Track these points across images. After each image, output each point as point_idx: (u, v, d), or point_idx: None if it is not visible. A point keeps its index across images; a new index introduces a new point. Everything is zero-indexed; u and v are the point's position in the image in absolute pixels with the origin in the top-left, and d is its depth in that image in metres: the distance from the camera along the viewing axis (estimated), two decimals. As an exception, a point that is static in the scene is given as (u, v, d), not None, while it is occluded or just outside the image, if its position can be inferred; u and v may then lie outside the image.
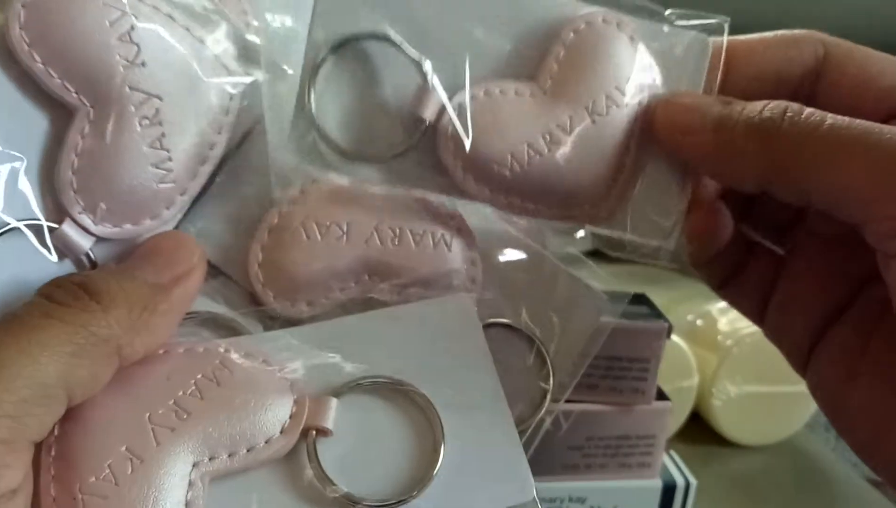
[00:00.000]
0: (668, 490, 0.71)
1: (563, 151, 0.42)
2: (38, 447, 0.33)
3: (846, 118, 0.38)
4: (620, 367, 0.66)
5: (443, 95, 0.41)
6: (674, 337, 0.68)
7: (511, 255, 0.46)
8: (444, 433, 0.38)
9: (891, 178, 0.37)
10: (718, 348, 0.89)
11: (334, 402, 0.37)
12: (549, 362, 0.45)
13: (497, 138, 0.41)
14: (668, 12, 0.45)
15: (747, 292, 0.49)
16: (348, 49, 0.41)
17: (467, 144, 0.41)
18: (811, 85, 0.44)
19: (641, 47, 0.43)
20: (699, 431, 0.92)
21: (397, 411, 0.39)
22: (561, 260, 0.47)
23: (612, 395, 0.67)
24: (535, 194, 0.43)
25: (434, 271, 0.43)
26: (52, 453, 0.33)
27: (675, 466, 0.74)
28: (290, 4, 0.45)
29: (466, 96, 0.41)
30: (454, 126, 0.41)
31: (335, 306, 0.43)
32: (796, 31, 0.45)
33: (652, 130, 0.43)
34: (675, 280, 1.06)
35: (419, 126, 0.41)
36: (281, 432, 0.36)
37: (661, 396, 0.70)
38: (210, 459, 0.35)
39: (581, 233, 0.46)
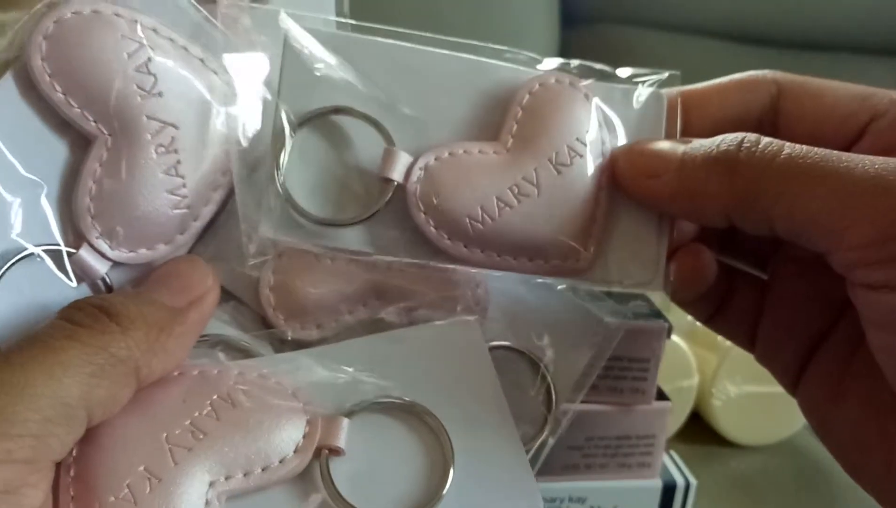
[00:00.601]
0: (668, 490, 0.71)
1: (533, 201, 0.42)
2: (58, 467, 0.34)
3: (804, 147, 0.38)
4: (620, 367, 0.66)
5: (407, 157, 0.41)
6: (674, 337, 0.68)
7: (513, 279, 0.46)
8: (454, 453, 0.39)
9: (849, 207, 0.37)
10: (718, 348, 0.89)
11: (346, 422, 0.38)
12: (550, 384, 0.45)
13: (467, 192, 0.41)
14: (619, 70, 0.46)
15: (735, 322, 0.49)
16: (314, 121, 0.41)
17: (436, 200, 0.41)
18: (771, 123, 0.45)
19: (597, 102, 0.44)
20: (699, 431, 0.92)
21: (408, 430, 0.39)
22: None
23: (612, 395, 0.67)
24: (511, 247, 0.43)
25: (440, 294, 0.44)
26: (72, 473, 0.34)
27: (675, 466, 0.74)
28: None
29: (431, 157, 0.42)
30: (423, 184, 0.41)
31: (344, 329, 0.44)
32: (749, 74, 0.46)
33: (617, 179, 0.43)
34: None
35: (389, 187, 0.41)
36: (295, 451, 0.37)
37: (661, 396, 0.69)
38: (226, 478, 0.35)
39: (562, 287, 0.46)
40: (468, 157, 0.42)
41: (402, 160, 0.41)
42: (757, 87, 0.45)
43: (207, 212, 0.41)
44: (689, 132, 0.45)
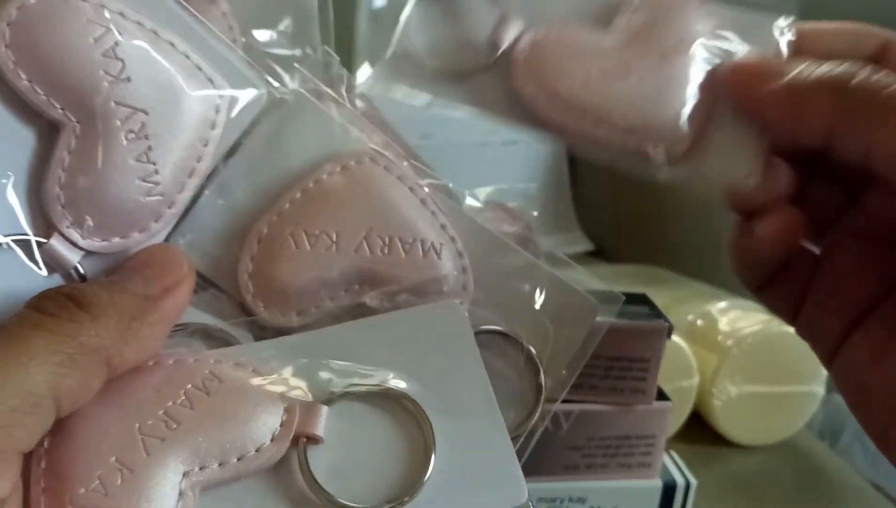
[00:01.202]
0: (668, 490, 0.71)
1: (638, 80, 0.44)
2: (28, 458, 0.33)
3: None
4: (620, 367, 0.66)
5: (520, 25, 0.44)
6: (674, 337, 0.68)
7: (502, 262, 0.46)
8: (435, 439, 0.38)
9: None
10: (718, 348, 0.89)
11: (325, 410, 0.37)
12: (541, 368, 0.45)
13: (572, 61, 0.44)
14: None
15: (784, 293, 0.50)
16: None
17: (540, 67, 0.43)
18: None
19: (713, 9, 0.46)
20: (699, 431, 0.92)
21: (388, 417, 0.39)
22: (551, 264, 0.47)
23: (612, 395, 0.67)
24: (608, 117, 0.44)
25: (424, 279, 0.43)
26: (43, 465, 0.34)
27: (675, 466, 0.74)
28: (272, 21, 0.46)
29: (542, 30, 0.44)
30: (530, 51, 0.44)
31: (326, 315, 0.43)
32: (860, 24, 0.47)
33: (726, 81, 0.45)
34: (675, 280, 1.07)
35: (497, 51, 0.44)
36: (271, 440, 0.36)
37: (661, 396, 0.69)
38: (200, 468, 0.35)
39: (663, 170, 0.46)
40: (578, 36, 0.44)
41: (515, 27, 0.44)
42: (867, 34, 0.46)
43: (183, 199, 0.41)
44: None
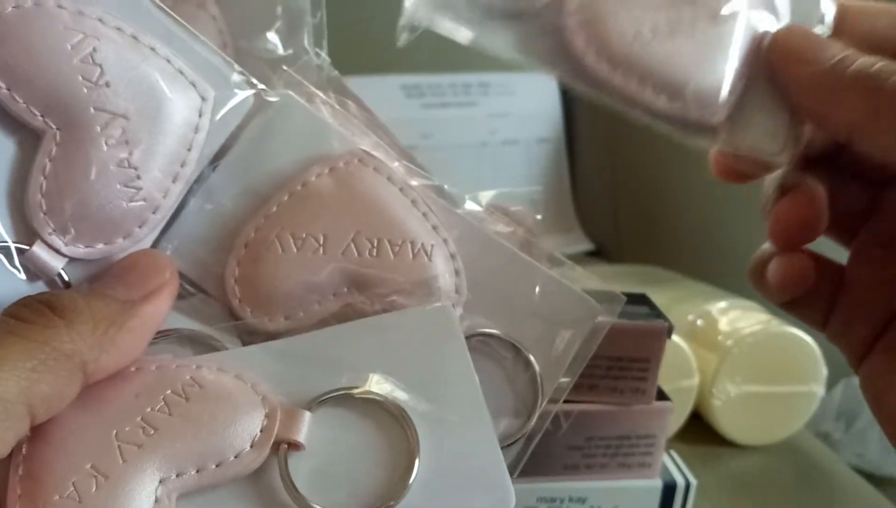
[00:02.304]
0: (668, 490, 0.71)
1: (687, 40, 0.44)
2: (7, 465, 0.33)
3: None
4: (620, 367, 0.66)
5: None
6: (674, 337, 0.67)
7: (498, 264, 0.46)
8: (420, 444, 0.38)
9: None
10: (718, 348, 0.89)
11: (307, 415, 0.37)
12: (537, 373, 0.44)
13: (623, 14, 0.43)
14: None
15: (810, 307, 0.50)
16: None
17: (591, 14, 0.43)
18: None
19: None
20: (699, 431, 0.92)
21: (372, 423, 0.38)
22: (551, 265, 0.46)
23: (612, 395, 0.67)
24: (654, 78, 0.44)
25: (414, 281, 0.43)
26: (20, 472, 0.34)
27: (675, 466, 0.73)
28: (263, 25, 0.46)
29: None
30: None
31: (314, 320, 0.43)
32: None
33: (769, 52, 0.45)
34: (675, 280, 1.07)
35: None
36: (251, 446, 0.36)
37: (662, 396, 0.69)
38: (177, 475, 0.35)
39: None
40: None
41: None
42: None
43: (167, 204, 0.41)
44: (841, 37, 0.46)
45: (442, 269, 0.43)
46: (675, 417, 0.88)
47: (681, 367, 0.87)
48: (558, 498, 0.69)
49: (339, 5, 0.49)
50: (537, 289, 0.46)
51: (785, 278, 0.48)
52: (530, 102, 1.27)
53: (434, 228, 0.44)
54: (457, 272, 0.44)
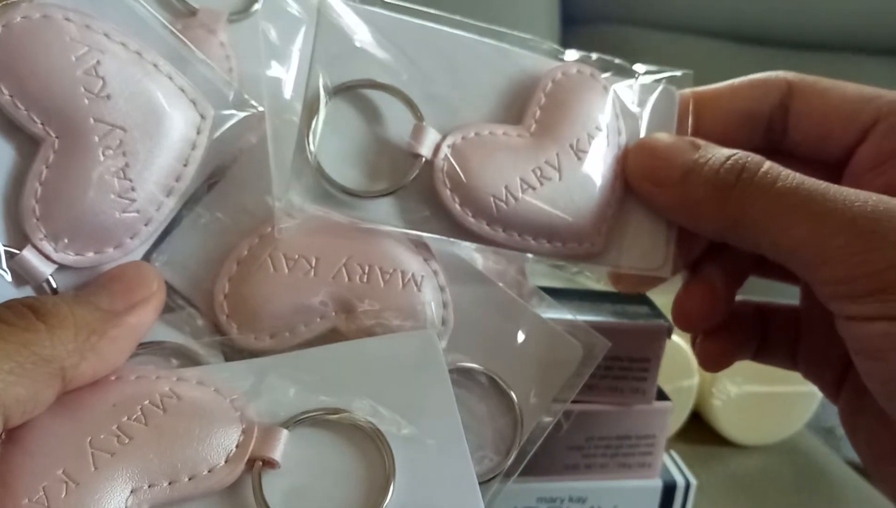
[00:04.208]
0: (668, 490, 0.71)
1: (554, 185, 0.44)
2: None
3: (797, 178, 0.41)
4: (620, 367, 0.66)
5: (436, 134, 0.43)
6: (674, 337, 0.67)
7: (486, 301, 0.46)
8: (396, 468, 0.38)
9: (825, 246, 0.39)
10: (719, 348, 0.88)
11: (284, 433, 0.37)
12: (517, 410, 0.44)
13: (492, 172, 0.43)
14: (635, 66, 0.48)
15: (776, 352, 0.52)
16: (347, 92, 0.43)
17: (462, 177, 0.42)
18: (781, 120, 0.47)
19: (614, 95, 0.46)
20: (699, 431, 0.91)
21: (349, 444, 0.38)
22: (538, 304, 0.47)
23: (612, 395, 0.67)
24: (531, 228, 0.44)
25: (402, 309, 0.43)
26: (-8, 475, 0.33)
27: (675, 466, 0.73)
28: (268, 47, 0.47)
29: (459, 136, 0.43)
30: (450, 161, 0.43)
31: (299, 341, 0.43)
32: (762, 74, 0.48)
33: (626, 176, 0.46)
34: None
35: (417, 163, 0.42)
36: (226, 461, 0.36)
37: (662, 396, 0.69)
38: (149, 486, 0.34)
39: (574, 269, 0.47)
40: (494, 138, 0.44)
41: (431, 137, 0.43)
42: (768, 85, 0.47)
43: (160, 217, 0.41)
44: (700, 128, 0.47)
45: (430, 299, 0.44)
46: (675, 417, 0.87)
47: (681, 367, 0.87)
48: (558, 498, 0.69)
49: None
50: (523, 329, 0.46)
51: (706, 361, 0.51)
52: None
53: (426, 259, 0.44)
54: (445, 304, 0.44)
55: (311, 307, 0.43)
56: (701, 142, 0.44)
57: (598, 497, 0.69)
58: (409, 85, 0.43)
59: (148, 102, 0.40)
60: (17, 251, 0.38)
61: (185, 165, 0.41)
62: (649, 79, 0.48)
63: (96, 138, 0.38)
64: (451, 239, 0.44)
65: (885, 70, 1.57)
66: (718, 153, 0.43)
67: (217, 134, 0.42)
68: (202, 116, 0.42)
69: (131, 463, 0.34)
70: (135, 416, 0.35)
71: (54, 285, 0.39)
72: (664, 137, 0.46)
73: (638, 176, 0.45)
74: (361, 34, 0.43)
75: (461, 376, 0.44)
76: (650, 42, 1.56)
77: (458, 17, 0.45)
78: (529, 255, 0.44)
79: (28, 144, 0.39)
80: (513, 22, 0.48)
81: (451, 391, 0.40)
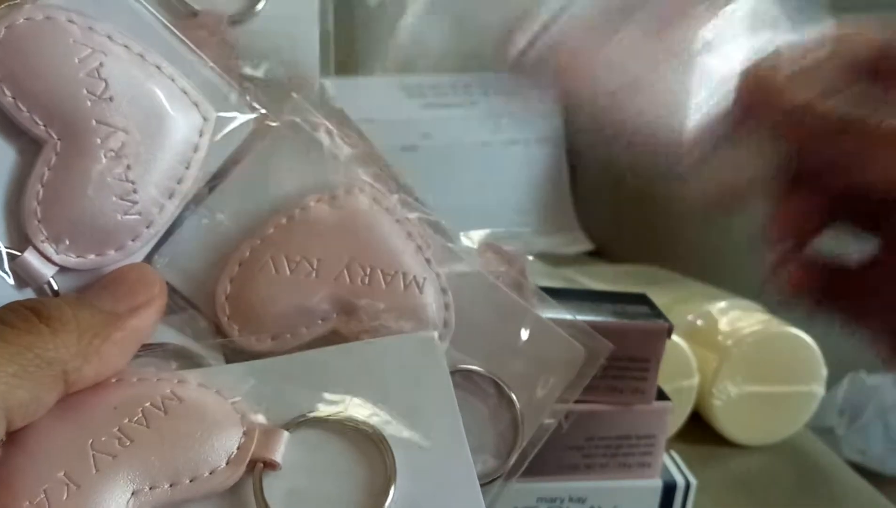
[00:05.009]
0: (668, 490, 0.70)
1: (662, 85, 0.46)
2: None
3: None
4: (620, 367, 0.66)
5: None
6: (674, 337, 0.67)
7: (487, 302, 0.46)
8: (398, 471, 0.38)
9: None
10: (719, 348, 0.88)
11: (285, 435, 0.37)
12: (518, 413, 0.44)
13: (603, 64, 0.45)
14: None
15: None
16: None
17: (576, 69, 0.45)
18: None
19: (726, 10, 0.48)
20: (699, 431, 0.91)
21: (350, 446, 0.38)
22: (540, 306, 0.47)
23: (612, 395, 0.66)
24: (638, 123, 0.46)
25: (404, 311, 0.43)
26: (-6, 477, 0.33)
27: (675, 466, 0.73)
28: (275, 52, 0.47)
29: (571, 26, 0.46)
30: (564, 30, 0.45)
31: (301, 344, 0.43)
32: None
33: (738, 95, 0.47)
34: (675, 280, 1.06)
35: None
36: (227, 463, 0.36)
37: (662, 396, 0.69)
38: (150, 488, 0.34)
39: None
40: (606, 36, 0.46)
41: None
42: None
43: (162, 219, 0.41)
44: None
45: (431, 301, 0.44)
46: (675, 417, 0.87)
47: (681, 367, 0.87)
48: (558, 498, 0.69)
49: (341, 6, 0.49)
50: (525, 330, 0.46)
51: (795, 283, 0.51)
52: (530, 102, 1.26)
53: (427, 261, 0.45)
54: (446, 306, 0.45)
55: (313, 309, 0.43)
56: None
57: (598, 497, 0.69)
58: None
59: (150, 104, 0.40)
60: (19, 253, 0.38)
61: (187, 168, 0.41)
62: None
63: (98, 140, 0.39)
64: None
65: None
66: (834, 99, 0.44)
67: (219, 136, 0.43)
68: (204, 119, 0.42)
69: (132, 465, 0.34)
70: (136, 418, 0.35)
71: (56, 288, 0.39)
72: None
73: (750, 92, 0.46)
74: None
75: (462, 378, 0.44)
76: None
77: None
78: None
79: (30, 146, 0.39)
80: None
81: (453, 393, 0.40)
